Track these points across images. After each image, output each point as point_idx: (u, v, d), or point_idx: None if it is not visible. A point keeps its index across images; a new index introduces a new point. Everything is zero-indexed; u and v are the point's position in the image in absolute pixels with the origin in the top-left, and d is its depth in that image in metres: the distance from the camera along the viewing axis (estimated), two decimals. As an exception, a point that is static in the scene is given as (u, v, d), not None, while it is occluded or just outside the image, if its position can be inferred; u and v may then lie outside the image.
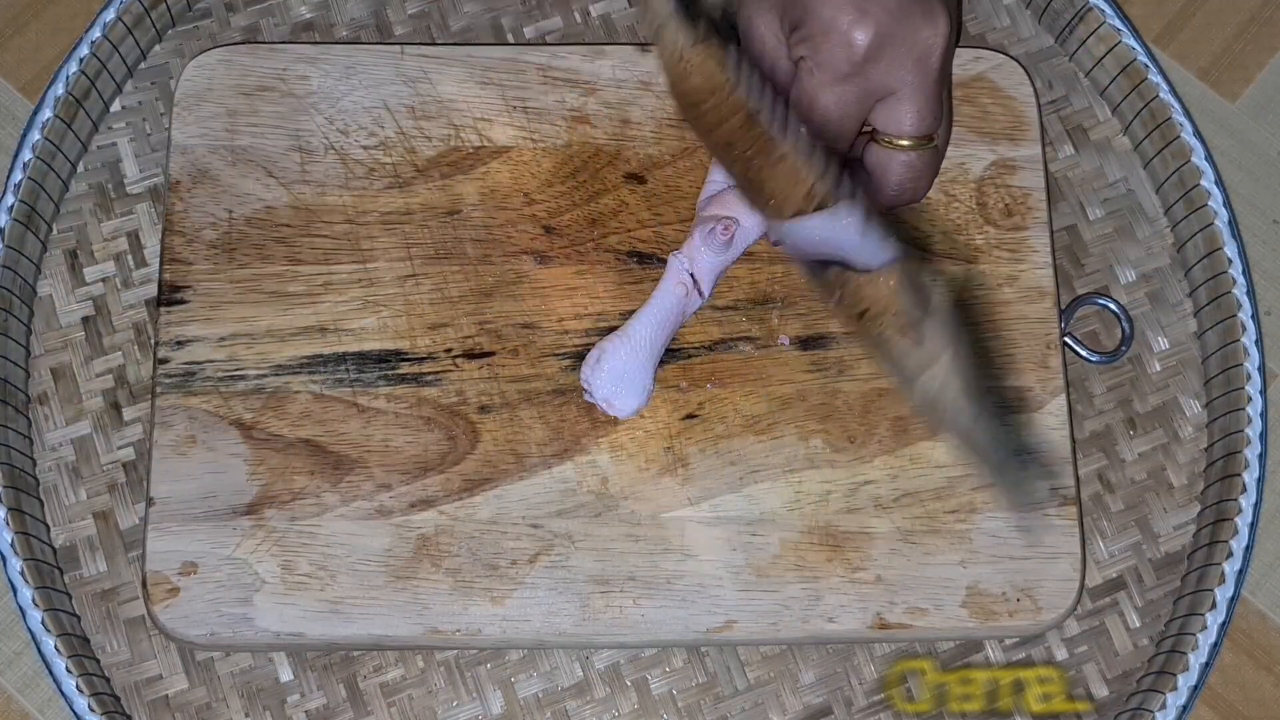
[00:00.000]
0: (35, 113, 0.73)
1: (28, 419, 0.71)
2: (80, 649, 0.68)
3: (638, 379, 0.69)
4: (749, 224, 0.69)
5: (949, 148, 0.71)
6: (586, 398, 0.69)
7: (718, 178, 0.70)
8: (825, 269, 0.63)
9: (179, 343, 0.69)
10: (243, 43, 0.75)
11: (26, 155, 0.72)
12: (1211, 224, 0.74)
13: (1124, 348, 0.74)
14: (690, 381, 0.70)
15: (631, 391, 0.69)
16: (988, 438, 0.60)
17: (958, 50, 0.74)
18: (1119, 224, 0.76)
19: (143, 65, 0.76)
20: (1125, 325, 0.74)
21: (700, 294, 0.69)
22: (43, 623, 0.67)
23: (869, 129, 0.67)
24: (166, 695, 0.69)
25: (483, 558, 0.67)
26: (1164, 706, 0.68)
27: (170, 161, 0.71)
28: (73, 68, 0.73)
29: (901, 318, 0.60)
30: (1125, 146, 0.77)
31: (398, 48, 0.73)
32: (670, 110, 0.73)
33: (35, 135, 0.72)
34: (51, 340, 0.72)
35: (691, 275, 0.69)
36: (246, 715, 0.69)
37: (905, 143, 0.66)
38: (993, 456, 0.60)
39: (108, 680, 0.69)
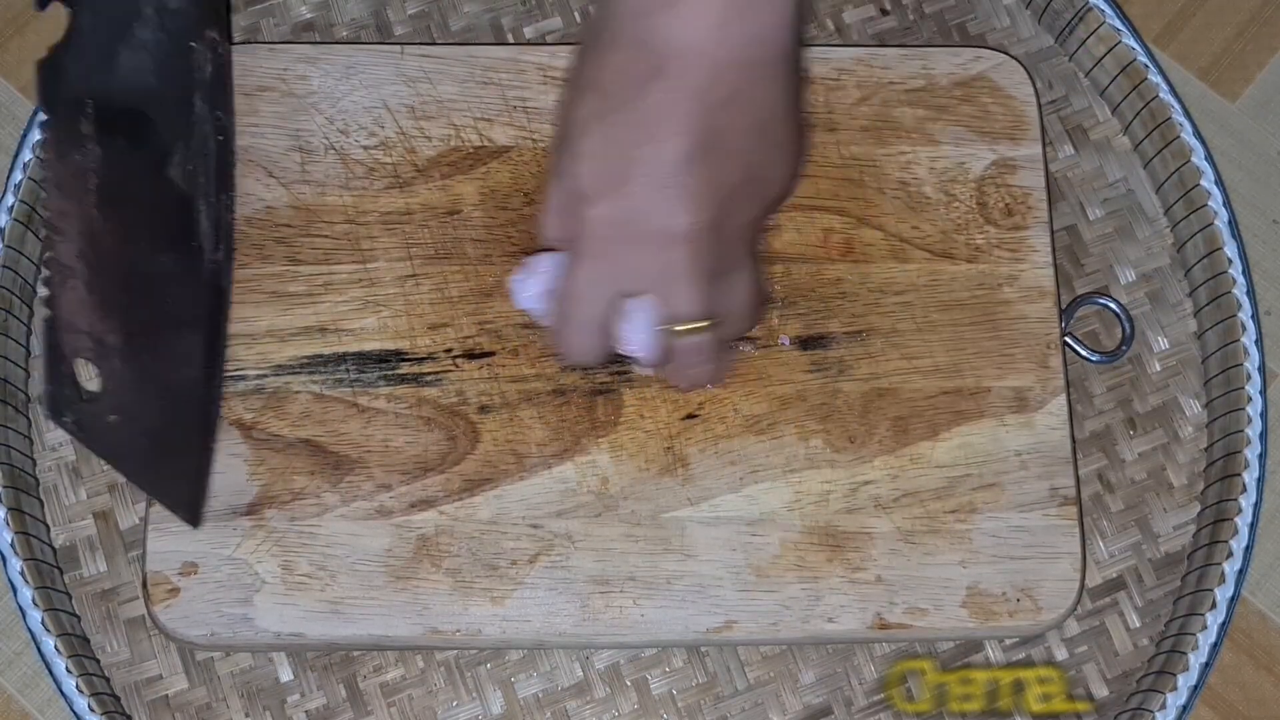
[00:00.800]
0: (35, 113, 0.73)
1: (28, 419, 0.71)
2: (80, 649, 0.68)
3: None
4: None
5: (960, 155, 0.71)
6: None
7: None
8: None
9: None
10: (243, 43, 0.75)
11: (26, 155, 0.72)
12: (1211, 224, 0.74)
13: (1124, 348, 0.74)
14: (690, 381, 0.70)
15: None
16: None
17: (958, 50, 0.74)
18: (1119, 224, 0.76)
19: (143, 65, 0.76)
20: (1125, 325, 0.74)
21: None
22: (43, 623, 0.67)
23: None
24: (166, 695, 0.69)
25: (483, 558, 0.67)
26: (1164, 706, 0.68)
27: (170, 161, 0.72)
28: (73, 68, 0.73)
29: None
30: (1125, 146, 0.77)
31: (398, 48, 0.73)
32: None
33: (35, 135, 0.72)
34: (51, 340, 0.72)
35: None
36: (246, 715, 0.69)
37: (680, 328, 0.63)
38: None
39: (108, 680, 0.69)
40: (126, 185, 0.63)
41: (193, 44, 0.65)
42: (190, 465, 0.66)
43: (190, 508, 0.66)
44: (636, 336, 0.64)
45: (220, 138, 0.68)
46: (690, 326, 0.63)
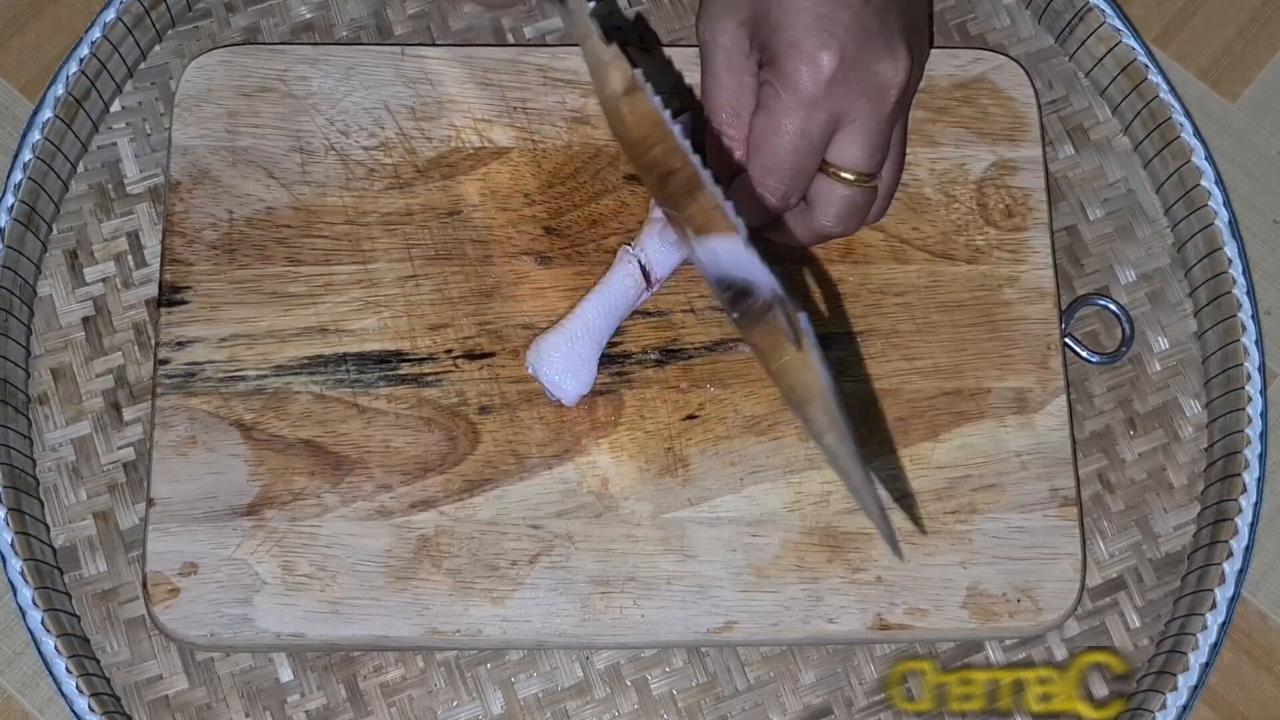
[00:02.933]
0: (35, 113, 0.73)
1: (28, 419, 0.71)
2: (80, 649, 0.68)
3: (581, 365, 0.68)
4: None
5: (951, 159, 0.71)
6: (531, 370, 0.69)
7: None
8: (730, 291, 0.63)
9: (179, 343, 0.69)
10: (243, 43, 0.75)
11: (26, 155, 0.72)
12: (1211, 224, 0.74)
13: (1124, 348, 0.74)
14: (691, 382, 0.70)
15: (574, 377, 0.68)
16: (863, 480, 0.59)
17: (958, 51, 0.74)
18: (1119, 224, 0.76)
19: (143, 65, 0.76)
20: (1125, 326, 0.74)
21: (649, 286, 0.69)
22: (43, 623, 0.67)
23: None
24: (167, 695, 0.69)
25: (483, 558, 0.67)
26: (1164, 706, 0.68)
27: (171, 162, 0.71)
28: (73, 68, 0.73)
29: (778, 355, 0.60)
30: (1125, 146, 0.77)
31: (398, 48, 0.73)
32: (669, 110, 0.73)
33: (35, 135, 0.72)
34: (51, 340, 0.72)
35: (643, 269, 0.69)
36: (247, 715, 0.69)
37: (849, 176, 0.66)
38: (868, 498, 0.60)
39: (108, 680, 0.69)
40: None
41: None
42: None
43: None
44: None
45: None
46: (860, 178, 0.66)
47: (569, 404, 0.69)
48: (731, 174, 0.67)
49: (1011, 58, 0.75)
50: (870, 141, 0.65)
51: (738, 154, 0.67)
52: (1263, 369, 0.72)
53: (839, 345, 0.71)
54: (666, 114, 0.64)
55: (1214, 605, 0.69)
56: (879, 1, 0.64)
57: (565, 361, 0.68)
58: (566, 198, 0.72)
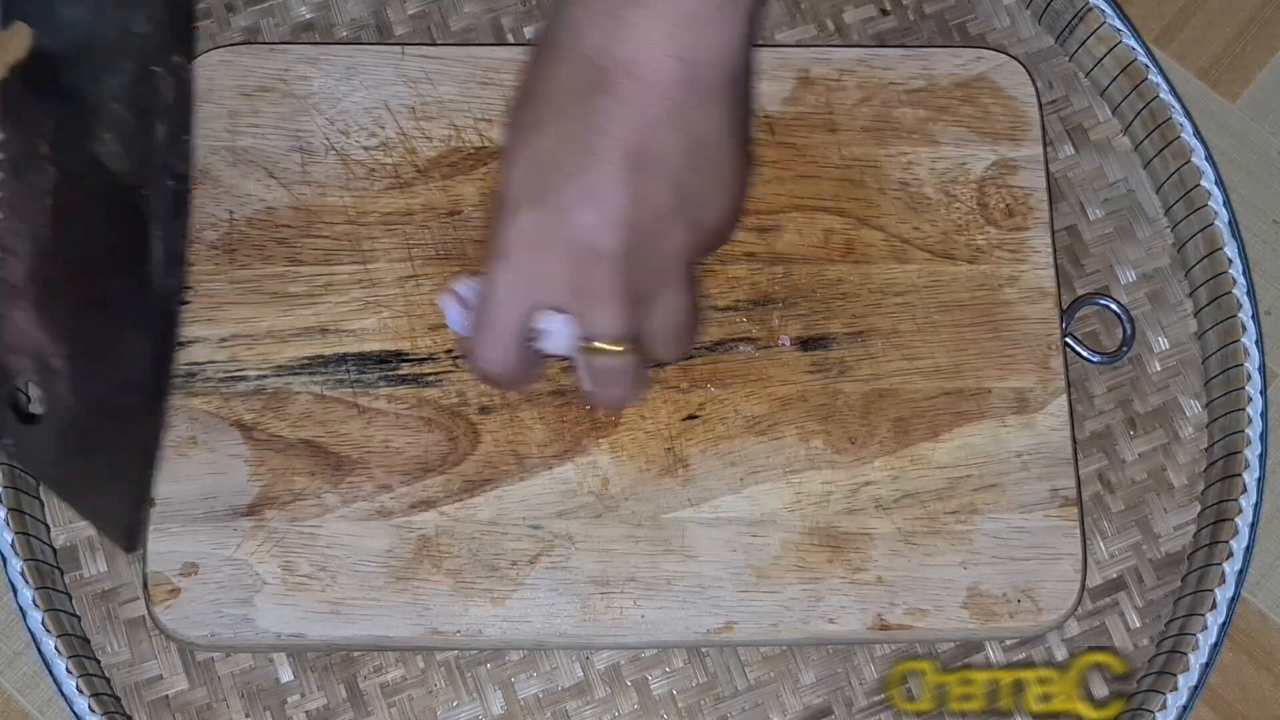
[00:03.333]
0: (35, 113, 0.73)
1: (28, 419, 0.71)
2: (80, 649, 0.68)
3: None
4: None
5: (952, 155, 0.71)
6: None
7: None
8: None
9: (179, 343, 0.69)
10: (243, 43, 0.75)
11: (26, 155, 0.72)
12: (1212, 224, 0.74)
13: (1125, 348, 0.74)
14: (691, 382, 0.70)
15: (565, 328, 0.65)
16: None
17: (958, 50, 0.74)
18: (1119, 224, 0.76)
19: (143, 65, 0.76)
20: (1126, 326, 0.74)
21: None
22: (43, 623, 0.67)
23: None
24: (167, 696, 0.69)
25: (483, 558, 0.67)
26: (1164, 707, 0.68)
27: (170, 162, 0.72)
28: (73, 68, 0.73)
29: None
30: (1125, 146, 0.77)
31: (398, 48, 0.73)
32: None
33: (35, 135, 0.72)
34: (52, 341, 0.72)
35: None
36: (247, 715, 0.69)
37: (595, 345, 0.62)
38: None
39: (108, 681, 0.69)
40: (81, 207, 0.63)
41: (155, 69, 0.64)
42: (130, 493, 0.66)
43: (128, 535, 0.66)
44: (557, 345, 0.63)
45: (178, 163, 0.68)
46: (607, 347, 0.62)
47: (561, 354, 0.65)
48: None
49: (1012, 57, 0.75)
50: (592, 311, 0.60)
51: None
52: (1263, 369, 0.72)
53: (839, 345, 0.71)
54: None
55: (1214, 605, 0.69)
56: (602, 165, 0.57)
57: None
58: (567, 198, 0.72)
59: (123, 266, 0.64)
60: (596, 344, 0.62)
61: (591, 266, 0.59)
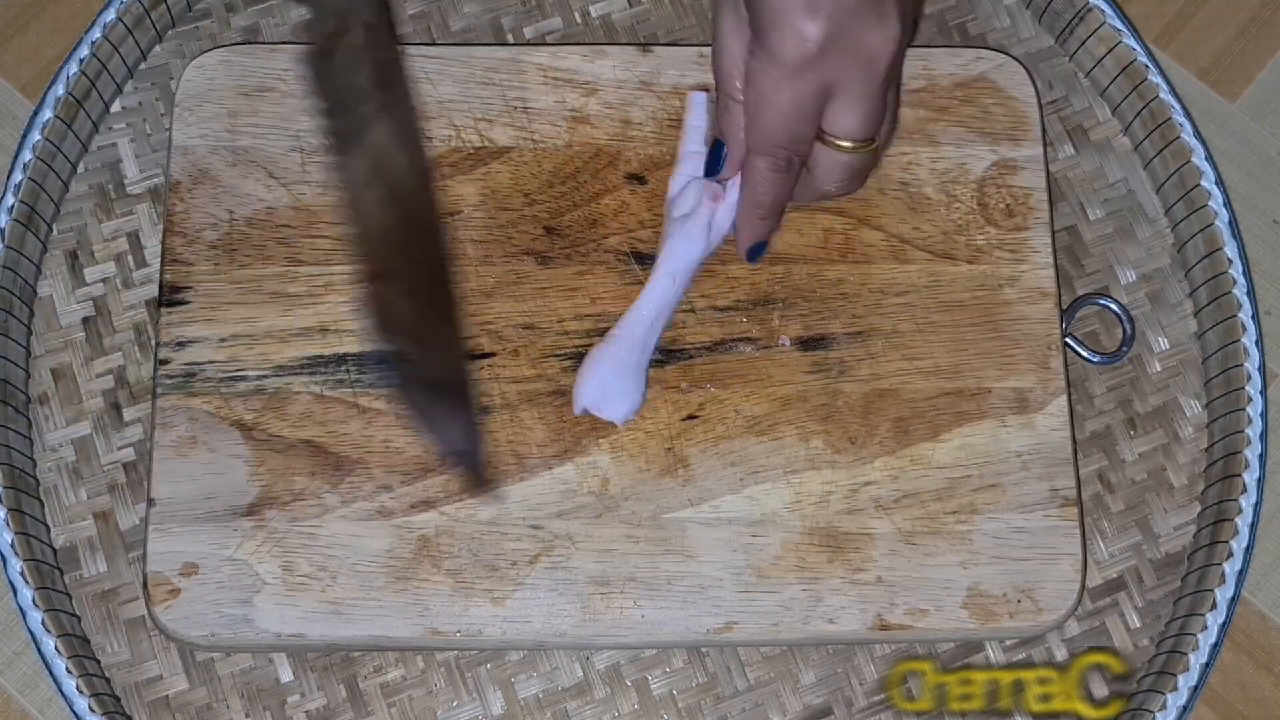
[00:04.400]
0: (35, 113, 0.73)
1: (28, 419, 0.71)
2: (80, 650, 0.68)
3: (630, 383, 0.68)
4: (722, 214, 0.69)
5: (954, 148, 0.71)
6: (578, 409, 0.69)
7: (685, 170, 0.70)
8: None
9: (180, 343, 0.69)
10: (243, 43, 0.75)
11: (26, 155, 0.72)
12: (1212, 224, 0.74)
13: (1125, 348, 0.74)
14: (691, 382, 0.70)
15: (624, 395, 0.68)
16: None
17: (959, 50, 0.74)
18: (1119, 224, 0.76)
19: (143, 66, 0.76)
20: (1126, 326, 0.74)
21: (679, 289, 0.69)
22: (43, 623, 0.67)
23: None
24: (167, 696, 0.69)
25: (483, 559, 0.67)
26: (1164, 707, 0.68)
27: (171, 162, 0.71)
28: (73, 68, 0.73)
29: None
30: (1125, 147, 0.77)
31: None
32: (670, 110, 0.73)
33: (35, 135, 0.72)
34: (51, 340, 0.72)
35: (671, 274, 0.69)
36: (247, 716, 0.69)
37: (846, 144, 0.66)
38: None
39: (108, 681, 0.69)
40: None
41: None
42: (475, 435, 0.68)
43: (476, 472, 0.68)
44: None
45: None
46: (861, 144, 0.66)
47: (620, 423, 0.69)
48: (741, 139, 0.67)
49: (1012, 57, 0.75)
50: (864, 110, 0.65)
51: (742, 119, 0.67)
52: (1263, 369, 0.72)
53: (839, 345, 0.71)
54: None
55: (1214, 605, 0.69)
56: None
57: (611, 385, 0.68)
58: (566, 198, 0.72)
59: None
60: (848, 142, 0.66)
61: (875, 64, 0.63)
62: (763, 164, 0.66)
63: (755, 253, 0.70)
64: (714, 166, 0.69)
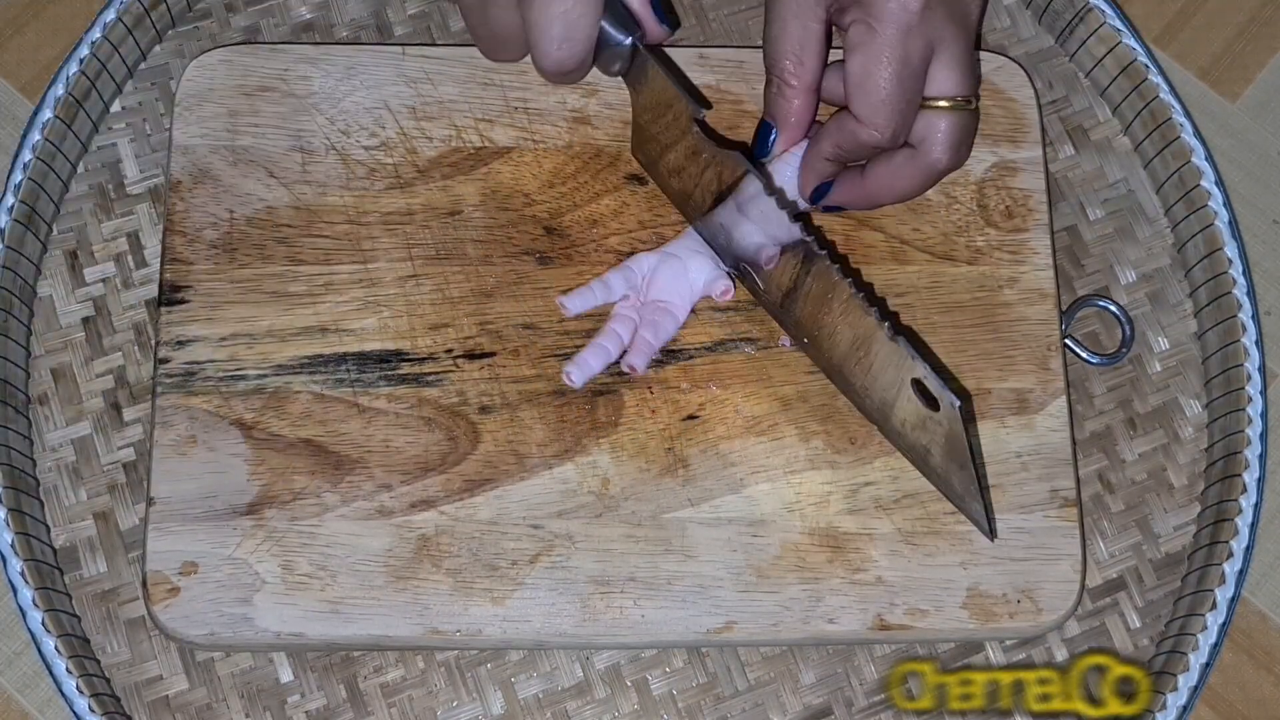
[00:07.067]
0: (35, 113, 0.73)
1: (28, 419, 0.71)
2: (80, 649, 0.68)
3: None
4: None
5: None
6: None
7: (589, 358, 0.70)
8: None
9: (179, 343, 0.69)
10: (243, 43, 0.75)
11: (26, 156, 0.72)
12: (1212, 224, 0.74)
13: (1124, 349, 0.74)
14: (691, 382, 0.70)
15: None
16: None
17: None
18: (1119, 224, 0.76)
19: (143, 66, 0.76)
20: (1126, 326, 0.74)
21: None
22: (43, 623, 0.67)
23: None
24: (167, 696, 0.69)
25: (483, 558, 0.67)
26: (1164, 707, 0.68)
27: (171, 161, 0.71)
28: (73, 68, 0.73)
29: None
30: (1125, 147, 0.77)
31: (399, 48, 0.73)
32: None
33: (35, 135, 0.72)
34: (51, 340, 0.72)
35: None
36: (247, 716, 0.69)
37: (945, 104, 0.66)
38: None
39: (108, 681, 0.69)
40: None
41: None
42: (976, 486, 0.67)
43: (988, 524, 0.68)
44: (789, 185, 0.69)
45: None
46: (958, 103, 0.66)
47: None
48: (793, 124, 0.68)
49: (1012, 58, 0.75)
50: (964, 64, 0.66)
51: (796, 103, 0.67)
52: (1263, 369, 0.72)
53: (839, 345, 0.71)
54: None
55: (1214, 605, 0.69)
56: None
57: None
58: (566, 198, 0.72)
59: None
60: (947, 101, 0.66)
61: (965, 19, 0.66)
62: (868, 136, 0.65)
63: (820, 194, 0.70)
64: (763, 149, 0.69)
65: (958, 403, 0.61)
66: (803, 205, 0.70)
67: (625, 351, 0.69)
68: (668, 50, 0.74)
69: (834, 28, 0.67)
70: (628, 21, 0.66)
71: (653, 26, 0.67)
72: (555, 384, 0.69)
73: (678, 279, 0.70)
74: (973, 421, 0.69)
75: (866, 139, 0.65)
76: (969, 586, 0.68)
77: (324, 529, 0.67)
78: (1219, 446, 0.73)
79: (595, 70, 0.68)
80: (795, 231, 0.65)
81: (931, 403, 0.63)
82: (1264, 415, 0.72)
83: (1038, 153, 0.73)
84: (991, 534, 0.67)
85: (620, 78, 0.68)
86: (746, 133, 0.72)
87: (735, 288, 0.70)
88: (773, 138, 0.68)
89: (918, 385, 0.63)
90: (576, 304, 0.69)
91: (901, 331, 0.64)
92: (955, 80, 0.66)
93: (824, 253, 0.64)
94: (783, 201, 0.65)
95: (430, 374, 0.69)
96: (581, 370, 0.68)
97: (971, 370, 0.70)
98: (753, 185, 0.65)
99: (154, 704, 0.69)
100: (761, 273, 0.68)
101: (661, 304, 0.69)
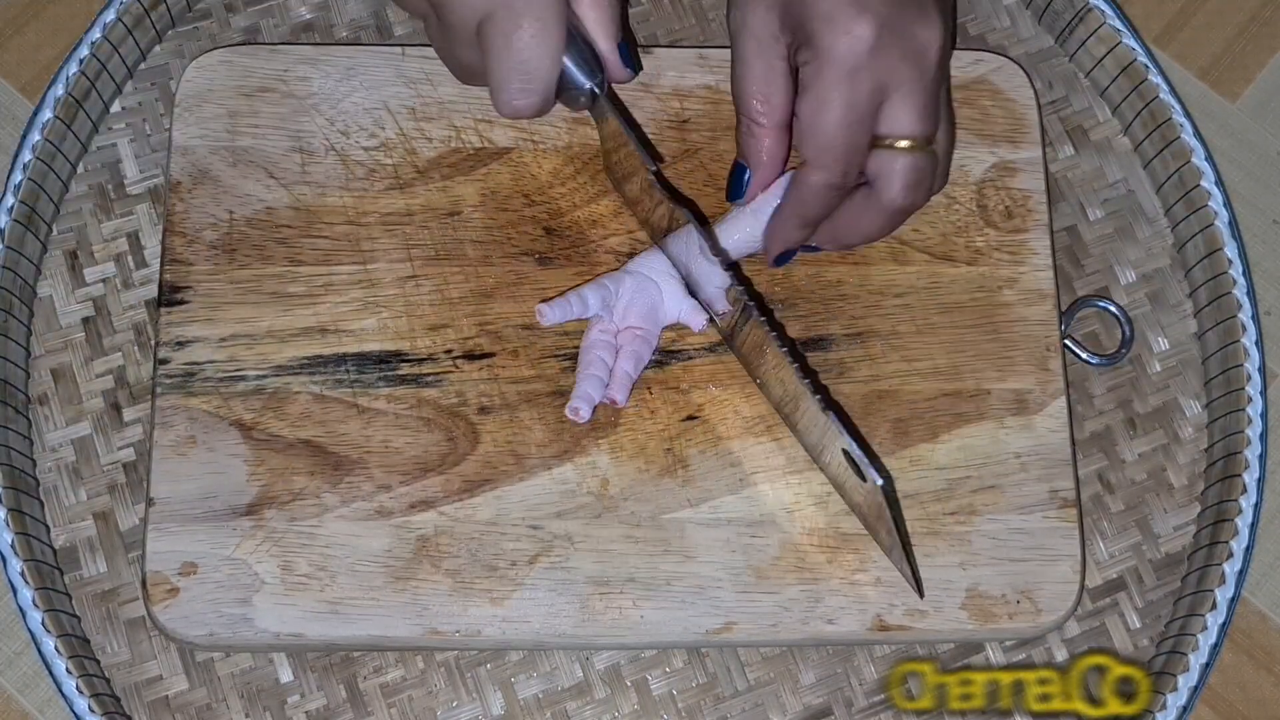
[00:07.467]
0: (35, 113, 0.73)
1: (28, 419, 0.71)
2: (80, 650, 0.68)
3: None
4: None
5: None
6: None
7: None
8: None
9: (179, 343, 0.69)
10: (243, 43, 0.75)
11: (26, 156, 0.72)
12: (1211, 224, 0.74)
13: (1124, 349, 0.74)
14: (691, 383, 0.70)
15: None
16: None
17: (958, 53, 0.74)
18: (1119, 224, 0.76)
19: (143, 66, 0.76)
20: (1125, 327, 0.74)
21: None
22: (43, 623, 0.67)
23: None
24: (167, 696, 0.69)
25: (482, 559, 0.67)
26: (1164, 707, 0.68)
27: (171, 162, 0.71)
28: (73, 68, 0.73)
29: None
30: (1125, 147, 0.77)
31: (399, 49, 0.73)
32: (670, 111, 0.73)
33: (35, 136, 0.72)
34: (51, 341, 0.72)
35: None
36: (247, 716, 0.69)
37: (904, 144, 0.65)
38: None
39: (108, 681, 0.69)
40: None
41: None
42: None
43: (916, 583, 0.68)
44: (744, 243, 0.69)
45: None
46: (917, 143, 0.65)
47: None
48: (766, 163, 0.67)
49: (1012, 58, 0.75)
50: (919, 104, 0.65)
51: (767, 142, 0.67)
52: (1263, 369, 0.72)
53: (838, 346, 0.71)
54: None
55: (1214, 606, 0.69)
56: None
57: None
58: (566, 198, 0.72)
59: None
60: (911, 141, 0.65)
61: (924, 61, 0.64)
62: (818, 178, 0.65)
63: (785, 259, 0.70)
64: (736, 191, 0.69)
65: (880, 482, 0.62)
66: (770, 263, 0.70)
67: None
68: (668, 50, 0.74)
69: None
70: (592, 61, 0.66)
71: (617, 71, 0.68)
72: (554, 384, 0.69)
73: (654, 308, 0.69)
74: (896, 505, 0.69)
75: (816, 180, 0.65)
76: (968, 587, 0.68)
77: (323, 529, 0.67)
78: (1219, 447, 0.73)
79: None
80: (734, 295, 0.67)
81: (859, 472, 0.64)
82: (1264, 415, 0.72)
83: (1037, 153, 0.73)
84: (919, 592, 0.67)
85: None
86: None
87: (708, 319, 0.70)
88: (747, 177, 0.68)
89: (847, 454, 0.64)
90: (555, 314, 0.69)
91: (831, 405, 0.66)
92: (910, 121, 0.65)
93: (763, 319, 0.66)
94: (726, 263, 0.66)
95: (429, 374, 0.70)
96: (588, 404, 0.68)
97: (971, 370, 0.70)
98: (695, 245, 0.67)
99: (154, 704, 0.69)
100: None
101: (638, 332, 0.69)
